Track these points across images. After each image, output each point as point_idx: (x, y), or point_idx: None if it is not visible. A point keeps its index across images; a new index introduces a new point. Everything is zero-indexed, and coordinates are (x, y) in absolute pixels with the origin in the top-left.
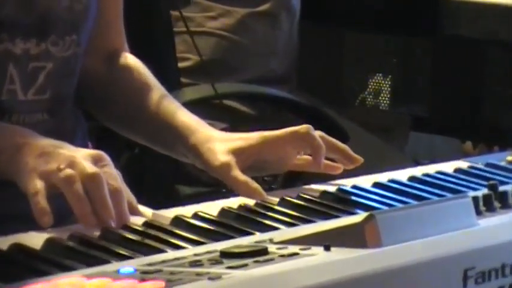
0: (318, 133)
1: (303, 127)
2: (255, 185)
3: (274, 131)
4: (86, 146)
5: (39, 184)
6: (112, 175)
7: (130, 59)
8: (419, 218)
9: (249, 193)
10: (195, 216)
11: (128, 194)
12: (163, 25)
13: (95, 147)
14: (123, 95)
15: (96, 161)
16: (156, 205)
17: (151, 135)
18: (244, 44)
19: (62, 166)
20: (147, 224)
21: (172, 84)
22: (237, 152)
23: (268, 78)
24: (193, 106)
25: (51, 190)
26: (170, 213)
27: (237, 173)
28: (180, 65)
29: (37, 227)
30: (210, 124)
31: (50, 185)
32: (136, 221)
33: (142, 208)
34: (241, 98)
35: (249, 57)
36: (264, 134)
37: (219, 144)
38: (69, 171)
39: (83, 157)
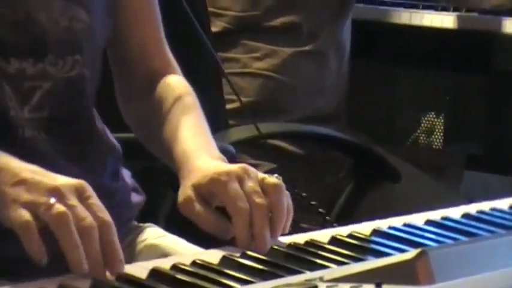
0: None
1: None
2: (214, 215)
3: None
4: (116, 174)
5: (26, 216)
6: (99, 207)
7: (166, 82)
8: (472, 254)
9: (208, 224)
10: (244, 255)
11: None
12: (210, 67)
13: (141, 186)
14: (146, 121)
15: (80, 192)
16: (205, 244)
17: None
18: (290, 84)
19: (51, 200)
20: (195, 264)
21: (220, 126)
22: (196, 186)
23: (316, 117)
24: (240, 146)
25: (37, 223)
26: (219, 252)
27: (195, 206)
28: (227, 106)
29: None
30: (256, 165)
31: (36, 217)
32: (185, 261)
33: (190, 246)
34: (289, 137)
35: (296, 97)
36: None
37: (187, 179)
38: (61, 208)
39: (67, 188)
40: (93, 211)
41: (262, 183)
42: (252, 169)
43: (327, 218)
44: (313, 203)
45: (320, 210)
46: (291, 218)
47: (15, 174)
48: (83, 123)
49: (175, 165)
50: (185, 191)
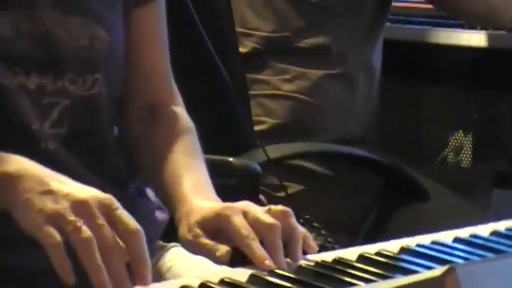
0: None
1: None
2: (219, 246)
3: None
4: (140, 191)
5: (54, 234)
6: (127, 217)
7: (168, 118)
8: (500, 271)
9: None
10: (272, 273)
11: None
12: (238, 88)
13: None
14: (144, 157)
15: (107, 206)
16: (230, 264)
17: (165, 204)
18: (320, 107)
19: (77, 223)
20: (224, 282)
21: (248, 148)
22: (200, 223)
23: (346, 139)
24: (267, 167)
25: (62, 237)
26: (247, 270)
27: (203, 241)
28: (256, 128)
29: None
30: (285, 186)
31: (61, 232)
32: (213, 279)
33: (215, 266)
34: (318, 157)
35: (326, 120)
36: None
37: (187, 219)
38: (86, 233)
39: (95, 203)
40: (120, 222)
41: (269, 213)
42: (255, 205)
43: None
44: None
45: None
46: (311, 240)
47: (44, 183)
48: (101, 136)
49: (171, 206)
50: (191, 228)
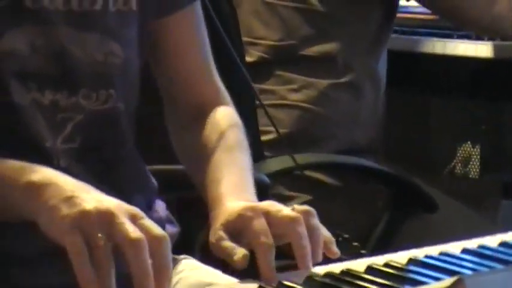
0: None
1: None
2: (237, 250)
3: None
4: (150, 205)
5: (79, 242)
6: (152, 224)
7: (213, 117)
8: (508, 281)
9: (230, 257)
10: (280, 285)
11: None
12: (245, 98)
13: (177, 218)
14: (188, 159)
15: (132, 216)
16: (240, 275)
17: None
18: (327, 116)
19: (100, 242)
20: None
21: (256, 157)
22: (224, 225)
23: (353, 149)
24: (276, 178)
25: (85, 240)
26: (255, 283)
27: (224, 244)
28: (263, 138)
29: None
30: (292, 197)
31: (84, 235)
32: None
33: (226, 277)
34: (326, 168)
35: (333, 129)
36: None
37: (217, 220)
38: (106, 252)
39: (120, 212)
40: (146, 230)
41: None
42: (279, 204)
43: (362, 252)
44: (346, 236)
45: (354, 243)
46: (334, 245)
47: (69, 190)
48: (112, 147)
49: (209, 208)
50: (216, 231)
